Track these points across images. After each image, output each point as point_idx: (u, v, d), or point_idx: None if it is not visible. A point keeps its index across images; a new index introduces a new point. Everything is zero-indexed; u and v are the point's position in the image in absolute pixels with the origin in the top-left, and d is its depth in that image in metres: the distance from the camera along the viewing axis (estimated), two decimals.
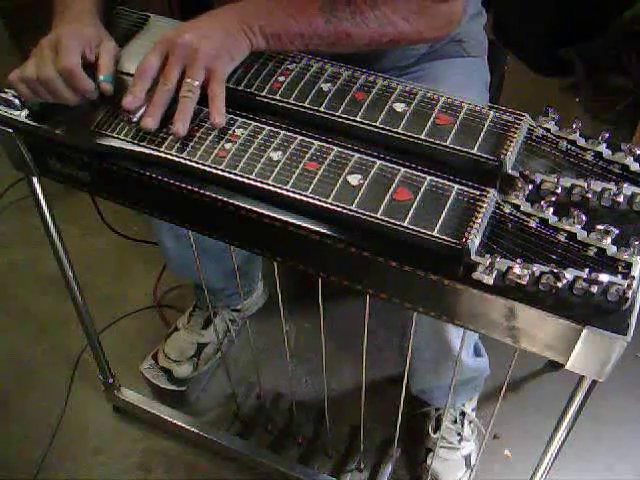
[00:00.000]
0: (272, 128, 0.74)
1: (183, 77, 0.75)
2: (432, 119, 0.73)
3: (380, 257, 0.65)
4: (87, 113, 0.80)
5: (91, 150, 0.78)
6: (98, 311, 1.35)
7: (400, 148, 0.72)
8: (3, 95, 0.81)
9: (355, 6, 0.78)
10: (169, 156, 0.73)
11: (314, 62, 0.80)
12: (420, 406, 1.32)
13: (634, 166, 0.68)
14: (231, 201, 0.71)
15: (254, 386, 1.41)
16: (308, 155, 0.71)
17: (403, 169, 0.69)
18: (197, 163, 0.72)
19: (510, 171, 0.69)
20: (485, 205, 0.65)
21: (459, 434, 1.27)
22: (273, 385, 1.41)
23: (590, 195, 0.66)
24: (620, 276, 0.59)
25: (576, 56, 1.94)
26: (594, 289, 0.58)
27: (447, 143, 0.71)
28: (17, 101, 0.81)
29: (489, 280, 0.61)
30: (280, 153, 0.72)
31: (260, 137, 0.73)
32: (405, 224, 0.64)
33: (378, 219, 0.65)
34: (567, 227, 0.63)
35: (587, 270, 0.60)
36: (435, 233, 0.63)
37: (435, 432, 1.28)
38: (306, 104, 0.76)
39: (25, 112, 0.81)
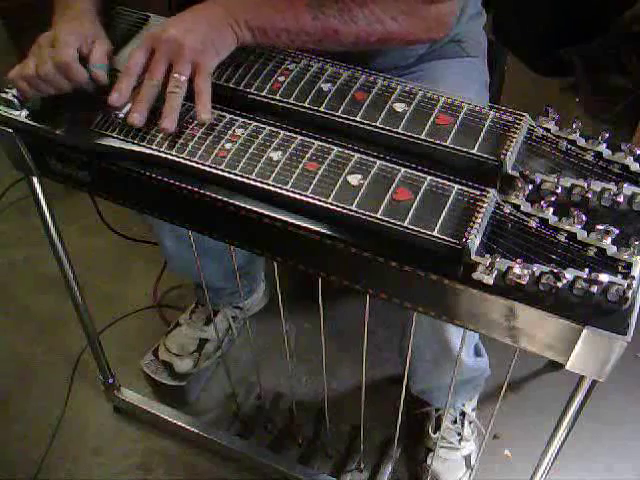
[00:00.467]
0: (272, 128, 0.74)
1: (169, 72, 0.75)
2: (432, 119, 0.73)
3: (380, 257, 0.65)
4: (87, 113, 0.80)
5: (91, 150, 0.78)
6: (98, 311, 1.35)
7: (400, 148, 0.72)
8: (3, 95, 0.82)
9: (343, 3, 0.78)
10: (169, 156, 0.73)
11: (314, 62, 0.80)
12: (420, 406, 1.32)
13: (634, 166, 0.68)
14: (231, 201, 0.71)
15: (254, 386, 1.41)
16: (308, 155, 0.71)
17: (403, 169, 0.69)
18: (197, 163, 0.72)
19: (510, 171, 0.69)
20: (485, 205, 0.65)
21: (459, 434, 1.27)
22: (273, 385, 1.41)
23: (590, 195, 0.66)
24: (620, 276, 0.59)
25: (576, 56, 1.93)
26: (594, 289, 0.58)
27: (447, 143, 0.71)
28: (17, 101, 0.81)
29: (489, 280, 0.61)
30: (280, 153, 0.72)
31: (260, 137, 0.73)
32: (405, 224, 0.64)
33: (378, 219, 0.65)
34: (567, 227, 0.63)
35: (587, 270, 0.60)
36: (435, 233, 0.63)
37: (435, 432, 1.28)
38: (306, 104, 0.76)
39: (25, 112, 0.82)
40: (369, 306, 0.81)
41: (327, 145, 0.72)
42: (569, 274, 0.59)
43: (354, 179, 0.68)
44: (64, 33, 0.80)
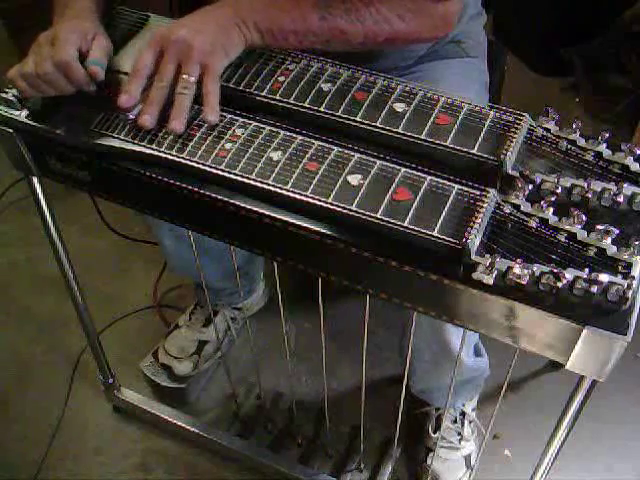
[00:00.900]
0: (272, 128, 0.74)
1: (178, 73, 0.75)
2: (432, 119, 0.73)
3: (380, 257, 0.65)
4: (87, 113, 0.80)
5: (91, 150, 0.78)
6: (98, 311, 1.35)
7: (400, 148, 0.72)
8: (3, 95, 0.82)
9: (350, 3, 0.78)
10: (169, 156, 0.73)
11: (314, 62, 0.80)
12: (420, 406, 1.32)
13: (634, 166, 0.68)
14: (231, 201, 0.71)
15: (254, 386, 1.41)
16: (308, 155, 0.71)
17: (403, 169, 0.69)
18: (197, 163, 0.72)
19: (510, 171, 0.69)
20: (485, 205, 0.65)
21: (459, 434, 1.27)
22: (273, 385, 1.41)
23: (590, 195, 0.66)
24: (620, 276, 0.59)
25: (576, 56, 1.93)
26: (594, 289, 0.58)
27: (447, 143, 0.71)
28: (17, 101, 0.81)
29: (489, 280, 0.61)
30: (280, 153, 0.72)
31: (260, 137, 0.73)
32: (405, 224, 0.64)
33: (378, 219, 0.65)
34: (567, 227, 0.63)
35: (587, 270, 0.60)
36: (435, 233, 0.63)
37: (435, 432, 1.28)
38: (306, 104, 0.76)
39: (25, 112, 0.82)
40: (369, 306, 0.81)
41: (327, 145, 0.72)
42: (569, 274, 0.59)
43: (354, 179, 0.68)
44: (64, 32, 0.80)
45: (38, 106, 0.82)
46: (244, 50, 0.78)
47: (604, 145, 0.70)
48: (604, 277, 0.59)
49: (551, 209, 0.64)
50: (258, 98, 0.78)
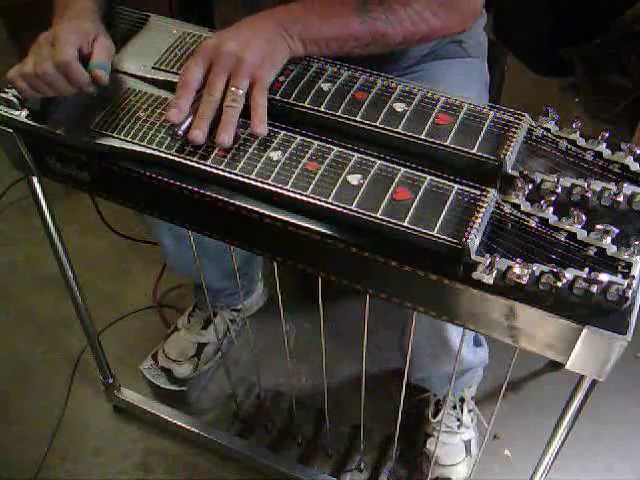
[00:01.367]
0: (272, 128, 0.74)
1: (226, 86, 0.74)
2: (432, 119, 0.73)
3: (380, 257, 0.65)
4: (88, 113, 0.80)
5: (91, 150, 0.78)
6: (98, 311, 1.36)
7: (400, 148, 0.72)
8: (3, 95, 0.81)
9: (388, 6, 0.79)
10: (169, 156, 0.73)
11: (314, 62, 0.80)
12: (419, 393, 1.32)
13: (634, 166, 0.68)
14: (231, 201, 0.71)
15: (254, 386, 1.41)
16: (308, 155, 0.71)
17: (403, 169, 0.69)
18: (197, 163, 0.72)
19: (510, 171, 0.69)
20: (485, 205, 0.65)
21: (458, 419, 1.27)
22: (273, 385, 1.41)
23: (590, 195, 0.66)
24: (620, 276, 0.59)
25: (576, 56, 1.94)
26: (594, 289, 0.58)
27: (447, 143, 0.71)
28: (17, 101, 0.81)
29: (489, 280, 0.61)
30: (280, 153, 0.72)
31: (260, 137, 0.73)
32: (405, 224, 0.64)
33: (378, 219, 0.65)
34: (567, 227, 0.63)
35: (587, 270, 0.60)
36: (435, 233, 0.63)
37: (434, 417, 1.28)
38: (306, 104, 0.76)
39: (25, 112, 0.82)
40: (369, 306, 0.81)
41: (327, 145, 0.72)
42: (569, 274, 0.59)
43: (354, 179, 0.68)
44: (64, 32, 0.79)
45: (38, 106, 0.82)
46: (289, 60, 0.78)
47: (604, 145, 0.70)
48: (604, 277, 0.59)
49: (551, 209, 0.64)
50: None
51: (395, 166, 0.69)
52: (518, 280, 0.60)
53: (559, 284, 0.59)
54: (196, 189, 0.72)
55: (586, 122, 1.81)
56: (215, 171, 0.71)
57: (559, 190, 0.66)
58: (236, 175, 0.71)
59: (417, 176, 0.68)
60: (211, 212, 0.74)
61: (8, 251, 1.74)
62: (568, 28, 1.93)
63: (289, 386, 1.36)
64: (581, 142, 0.70)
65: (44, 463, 1.33)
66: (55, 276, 1.14)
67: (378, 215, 0.65)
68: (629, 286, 0.58)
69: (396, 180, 0.68)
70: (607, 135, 0.70)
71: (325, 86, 0.78)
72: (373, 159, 0.70)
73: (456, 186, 0.67)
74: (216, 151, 0.72)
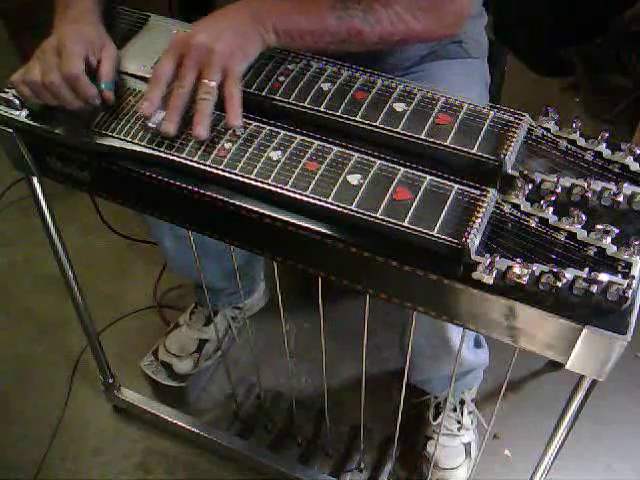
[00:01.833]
0: (272, 128, 0.74)
1: (198, 79, 0.74)
2: (432, 119, 0.73)
3: (380, 257, 0.65)
4: (87, 113, 0.80)
5: (91, 150, 0.78)
6: (98, 311, 1.35)
7: (400, 148, 0.72)
8: (3, 95, 0.81)
9: (367, 4, 0.78)
10: (169, 156, 0.73)
11: (314, 62, 0.80)
12: (419, 395, 1.32)
13: (634, 166, 0.68)
14: (231, 201, 0.71)
15: (254, 386, 1.41)
16: (308, 155, 0.71)
17: (403, 169, 0.69)
18: (197, 163, 0.72)
19: (510, 171, 0.69)
20: (485, 205, 0.65)
21: (459, 422, 1.27)
22: (273, 385, 1.41)
23: (590, 195, 0.66)
24: (620, 276, 0.59)
25: (576, 56, 1.94)
26: (594, 289, 0.58)
27: (447, 143, 0.71)
28: (17, 101, 0.81)
29: (489, 280, 0.61)
30: (280, 153, 0.72)
31: (260, 137, 0.73)
32: (405, 224, 0.64)
33: (378, 219, 0.65)
34: (567, 227, 0.63)
35: (587, 270, 0.60)
36: (435, 233, 0.63)
37: (435, 419, 1.28)
38: (306, 104, 0.76)
39: (25, 112, 0.82)
40: (369, 306, 0.81)
41: (327, 145, 0.72)
42: (569, 274, 0.59)
43: (354, 179, 0.68)
44: (70, 41, 0.79)
45: (38, 106, 0.82)
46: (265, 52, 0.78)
47: (604, 145, 0.70)
48: (604, 277, 0.59)
49: (551, 209, 0.64)
50: (258, 98, 0.78)
51: (395, 166, 0.69)
52: (518, 280, 0.60)
53: (559, 284, 0.59)
54: (196, 189, 0.72)
55: (586, 122, 1.81)
56: (215, 171, 0.71)
57: (559, 190, 0.66)
58: (236, 175, 0.71)
59: (417, 176, 0.68)
60: (211, 212, 0.74)
61: (8, 251, 1.74)
62: (568, 28, 1.93)
63: (289, 386, 1.36)
64: (581, 142, 0.70)
65: (44, 463, 1.33)
66: (55, 276, 1.14)
67: (378, 215, 0.65)
68: (629, 286, 0.58)
69: (396, 180, 0.68)
70: (607, 135, 0.70)
71: (325, 86, 0.77)
72: (373, 159, 0.70)
73: (456, 186, 0.67)
74: (217, 151, 0.73)
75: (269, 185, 0.69)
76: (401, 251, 0.65)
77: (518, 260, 0.61)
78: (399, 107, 0.75)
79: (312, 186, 0.68)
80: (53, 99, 0.79)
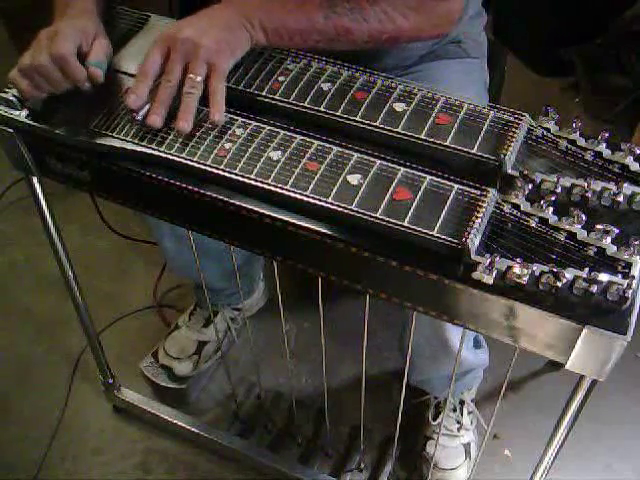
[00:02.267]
0: (272, 128, 0.74)
1: (185, 73, 0.75)
2: (432, 119, 0.73)
3: (380, 257, 0.65)
4: (87, 113, 0.80)
5: (91, 150, 0.78)
6: (98, 311, 1.35)
7: (400, 148, 0.72)
8: (3, 95, 0.81)
9: (355, 2, 0.78)
10: (169, 156, 0.73)
11: (314, 62, 0.80)
12: (419, 395, 1.32)
13: (634, 166, 0.68)
14: (231, 201, 0.71)
15: (254, 386, 1.41)
16: (308, 155, 0.71)
17: (403, 169, 0.69)
18: (197, 163, 0.72)
19: (510, 171, 0.69)
20: (485, 205, 0.65)
21: (458, 422, 1.27)
22: (273, 385, 1.41)
23: (590, 195, 0.66)
24: (620, 276, 0.59)
25: (576, 56, 1.94)
26: (594, 289, 0.58)
27: (447, 143, 0.71)
28: (17, 101, 0.81)
29: (489, 280, 0.61)
30: (280, 153, 0.72)
31: (260, 137, 0.73)
32: (405, 224, 0.64)
33: (378, 219, 0.65)
34: (567, 227, 0.63)
35: (587, 270, 0.60)
36: (435, 233, 0.63)
37: (434, 420, 1.28)
38: (306, 104, 0.76)
39: (25, 112, 0.82)
40: (369, 306, 0.81)
41: (327, 145, 0.72)
42: (569, 274, 0.59)
43: (354, 179, 0.68)
44: (64, 27, 0.80)
45: (38, 106, 0.82)
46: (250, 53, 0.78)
47: (604, 145, 0.70)
48: (604, 277, 0.59)
49: (551, 209, 0.64)
50: (258, 98, 0.78)
51: (395, 166, 0.69)
52: (518, 280, 0.60)
53: (559, 284, 0.59)
54: (196, 189, 0.72)
55: (586, 122, 1.81)
56: (215, 171, 0.71)
57: (559, 190, 0.66)
58: (236, 175, 0.71)
59: (417, 176, 0.68)
60: (211, 212, 0.74)
61: (8, 251, 1.74)
62: (568, 28, 1.93)
63: (289, 386, 1.36)
64: (581, 142, 0.70)
65: (44, 463, 1.32)
66: (55, 276, 1.14)
67: (378, 215, 0.65)
68: (629, 286, 0.58)
69: (396, 180, 0.68)
70: (607, 135, 0.70)
71: (325, 86, 0.77)
72: (373, 159, 0.70)
73: (456, 186, 0.67)
74: (217, 150, 0.73)
75: (269, 185, 0.69)
76: (401, 251, 0.65)
77: (518, 260, 0.61)
78: (399, 107, 0.75)
79: (312, 186, 0.68)
80: (45, 83, 0.79)
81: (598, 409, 1.26)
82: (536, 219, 0.64)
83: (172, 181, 0.73)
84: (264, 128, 0.74)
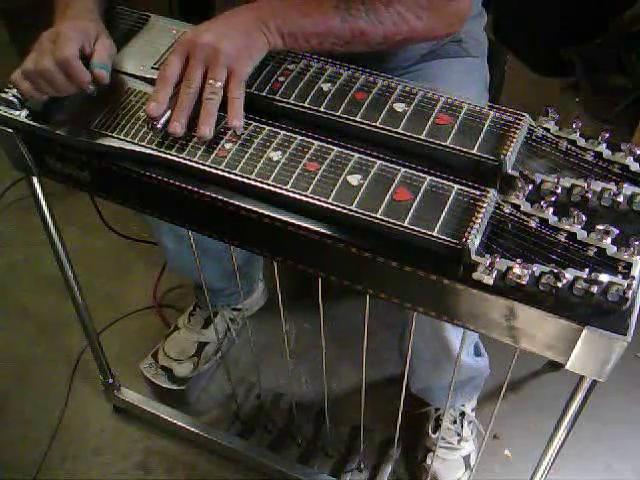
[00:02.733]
0: (272, 128, 0.74)
1: (205, 78, 0.74)
2: (432, 119, 0.73)
3: (380, 257, 0.65)
4: (88, 113, 0.80)
5: (91, 150, 0.78)
6: (98, 311, 1.35)
7: (400, 148, 0.72)
8: (3, 95, 0.81)
9: (370, 4, 0.79)
10: (169, 156, 0.73)
11: (314, 62, 0.80)
12: (420, 406, 1.32)
13: (634, 166, 0.68)
14: (231, 201, 0.71)
15: (254, 386, 1.41)
16: (308, 155, 0.71)
17: (403, 169, 0.69)
18: (197, 163, 0.72)
19: (510, 171, 0.69)
20: (485, 205, 0.65)
21: (458, 434, 1.27)
22: (273, 385, 1.41)
23: (590, 195, 0.66)
24: (620, 276, 0.59)
25: (576, 56, 1.94)
26: (594, 289, 0.58)
27: (447, 143, 0.71)
28: (17, 101, 0.81)
29: (489, 280, 0.61)
30: (280, 153, 0.72)
31: (260, 137, 0.73)
32: (405, 224, 0.64)
33: (378, 219, 0.65)
34: (567, 227, 0.63)
35: (587, 270, 0.60)
36: (435, 233, 0.63)
37: (434, 432, 1.28)
38: (306, 104, 0.76)
39: (25, 112, 0.81)
40: (369, 306, 0.81)
41: (327, 145, 0.72)
42: (569, 274, 0.59)
43: (354, 179, 0.68)
44: (66, 30, 0.79)
45: (38, 106, 0.82)
46: (268, 53, 0.78)
47: (604, 145, 0.70)
48: (604, 277, 0.59)
49: (551, 209, 0.64)
50: (258, 98, 0.78)
51: (395, 166, 0.69)
52: (518, 280, 0.60)
53: (559, 284, 0.59)
54: (196, 189, 0.72)
55: (586, 122, 1.81)
56: (215, 171, 0.71)
57: (559, 190, 0.66)
58: (236, 175, 0.71)
59: (417, 176, 0.68)
60: (211, 212, 0.74)
61: (8, 251, 1.74)
62: (568, 28, 1.93)
63: (289, 386, 1.36)
64: (581, 142, 0.70)
65: (44, 463, 1.32)
66: (55, 276, 1.14)
67: (378, 215, 0.65)
68: (629, 287, 0.58)
69: (396, 180, 0.68)
70: (607, 135, 0.70)
71: (325, 86, 0.77)
72: (373, 159, 0.70)
73: (456, 186, 0.67)
74: (217, 151, 0.73)
75: (269, 185, 0.69)
76: (401, 251, 0.65)
77: (518, 260, 0.61)
78: (399, 107, 0.75)
79: (312, 186, 0.68)
80: (49, 87, 0.79)
81: (598, 409, 1.26)
82: (536, 219, 0.64)
83: (172, 181, 0.73)
84: (264, 128, 0.74)
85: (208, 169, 0.72)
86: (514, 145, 0.70)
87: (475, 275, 0.62)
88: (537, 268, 0.60)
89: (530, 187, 0.66)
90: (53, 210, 1.00)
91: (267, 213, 0.69)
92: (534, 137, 0.72)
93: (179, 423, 1.32)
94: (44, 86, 0.79)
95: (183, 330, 1.45)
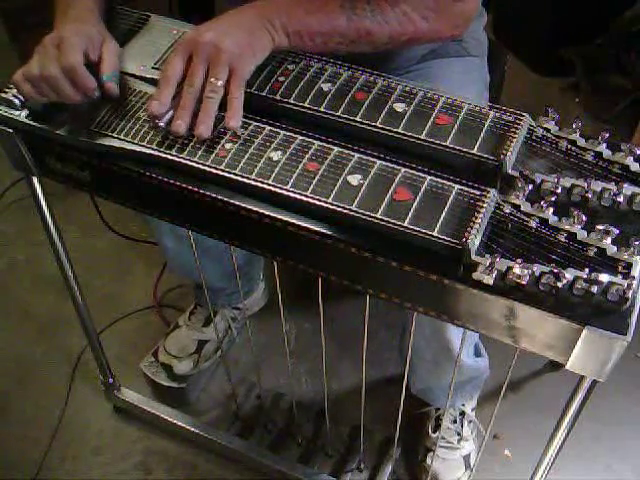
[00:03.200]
0: (272, 128, 0.74)
1: (206, 76, 0.74)
2: (432, 119, 0.73)
3: (380, 257, 0.65)
4: (87, 113, 0.80)
5: (91, 150, 0.78)
6: (98, 311, 1.35)
7: (400, 148, 0.72)
8: (3, 95, 0.81)
9: (375, 4, 0.78)
10: (169, 156, 0.73)
11: (314, 62, 0.80)
12: (420, 406, 1.32)
13: (634, 166, 0.68)
14: (231, 201, 0.71)
15: (254, 386, 1.41)
16: (308, 155, 0.71)
17: (403, 169, 0.69)
18: (197, 163, 0.72)
19: (510, 171, 0.69)
20: (485, 205, 0.65)
21: (458, 434, 1.27)
22: (273, 385, 1.41)
23: (590, 195, 0.66)
24: (620, 276, 0.59)
25: (576, 56, 1.94)
26: (594, 289, 0.58)
27: (447, 143, 0.71)
28: (17, 101, 0.81)
29: (489, 280, 0.61)
30: (280, 153, 0.72)
31: (260, 137, 0.73)
32: (405, 224, 0.64)
33: (378, 219, 0.65)
34: (567, 227, 0.63)
35: (587, 270, 0.60)
36: (435, 233, 0.63)
37: (435, 432, 1.28)
38: (306, 104, 0.76)
39: (25, 112, 0.81)
40: (369, 306, 0.81)
41: (327, 145, 0.72)
42: (569, 274, 0.59)
43: (354, 179, 0.68)
44: (70, 34, 0.79)
45: (38, 106, 0.82)
46: (271, 53, 0.78)
47: (604, 145, 0.70)
48: (604, 277, 0.59)
49: (551, 209, 0.64)
50: (258, 98, 0.78)
51: (395, 166, 0.69)
52: (518, 280, 0.60)
53: (559, 284, 0.59)
54: (196, 189, 0.72)
55: (586, 122, 1.81)
56: (215, 171, 0.71)
57: (559, 190, 0.66)
58: (236, 175, 0.71)
59: (417, 176, 0.68)
60: (211, 212, 0.74)
61: (8, 251, 1.74)
62: (568, 28, 1.93)
63: (289, 386, 1.36)
64: (581, 142, 0.70)
65: (44, 463, 1.32)
66: (55, 276, 1.14)
67: (378, 215, 0.65)
68: (629, 286, 0.58)
69: (396, 180, 0.68)
70: (607, 135, 0.70)
71: (325, 86, 0.78)
72: (373, 159, 0.70)
73: (456, 186, 0.67)
74: (217, 151, 0.73)
75: (269, 185, 0.69)
76: (401, 251, 0.65)
77: (518, 261, 0.61)
78: (399, 107, 0.75)
79: (312, 186, 0.68)
80: (53, 93, 0.79)
81: (598, 409, 1.26)
82: (536, 219, 0.64)
83: (172, 181, 0.73)
84: (264, 128, 0.74)
85: (208, 169, 0.72)
86: (514, 145, 0.70)
87: (475, 275, 0.62)
88: (537, 268, 0.60)
89: (530, 187, 0.66)
90: (53, 210, 1.00)
91: (267, 213, 0.69)
92: (534, 137, 0.72)
93: (179, 423, 1.32)
94: (47, 91, 0.79)
95: (184, 328, 1.45)
